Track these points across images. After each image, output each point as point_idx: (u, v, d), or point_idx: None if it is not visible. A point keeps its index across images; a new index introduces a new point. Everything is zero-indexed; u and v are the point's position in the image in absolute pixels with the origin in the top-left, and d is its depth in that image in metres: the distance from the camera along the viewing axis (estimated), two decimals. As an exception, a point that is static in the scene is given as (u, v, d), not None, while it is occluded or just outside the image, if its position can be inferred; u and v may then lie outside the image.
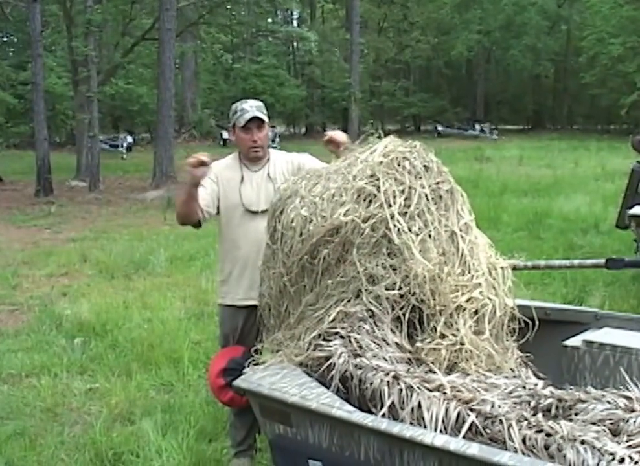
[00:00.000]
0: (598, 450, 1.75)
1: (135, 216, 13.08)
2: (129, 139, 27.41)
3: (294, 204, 2.78)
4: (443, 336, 2.41)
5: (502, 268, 2.69)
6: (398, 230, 2.52)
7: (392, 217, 2.53)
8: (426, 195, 2.61)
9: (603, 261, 2.90)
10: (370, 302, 2.46)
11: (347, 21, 32.58)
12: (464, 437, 1.93)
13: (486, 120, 37.31)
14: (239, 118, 3.31)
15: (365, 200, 2.60)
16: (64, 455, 3.70)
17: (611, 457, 1.72)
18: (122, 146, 26.26)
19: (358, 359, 2.28)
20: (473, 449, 1.83)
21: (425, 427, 2.00)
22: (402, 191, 2.59)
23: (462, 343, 2.40)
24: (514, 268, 2.85)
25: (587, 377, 2.74)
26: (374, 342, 2.38)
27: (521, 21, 38.62)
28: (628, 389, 2.15)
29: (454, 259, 2.56)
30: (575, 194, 12.82)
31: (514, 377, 2.36)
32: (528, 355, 2.61)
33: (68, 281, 7.70)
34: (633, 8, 31.57)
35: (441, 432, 1.97)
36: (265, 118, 3.34)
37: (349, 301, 2.51)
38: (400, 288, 2.46)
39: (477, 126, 34.58)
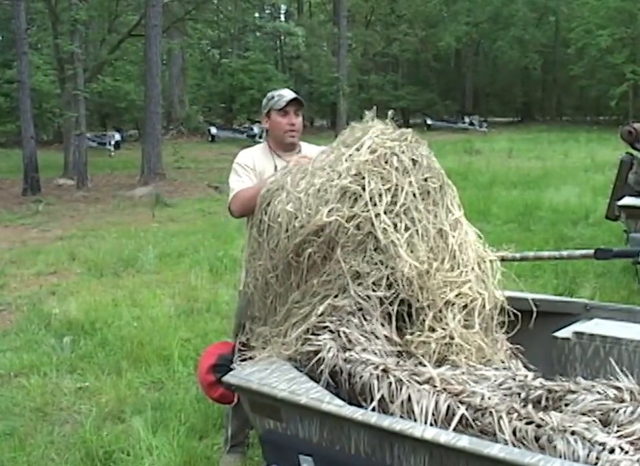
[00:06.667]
0: (589, 440, 1.74)
1: (124, 213, 13.01)
2: (117, 136, 27.21)
3: (280, 197, 2.75)
4: (432, 330, 2.40)
5: (491, 261, 2.68)
6: (384, 229, 2.49)
7: (377, 216, 2.50)
8: (413, 193, 2.58)
9: (592, 251, 2.89)
10: (358, 295, 2.45)
11: (334, 15, 32.45)
12: (454, 429, 1.93)
13: (475, 112, 37.31)
14: (278, 101, 3.34)
15: (349, 198, 2.56)
16: (54, 454, 3.67)
17: (601, 447, 1.72)
18: (110, 143, 26.07)
19: (347, 353, 2.27)
20: (464, 441, 1.82)
21: (415, 420, 1.99)
22: (389, 190, 2.56)
23: (451, 337, 2.39)
24: (503, 259, 2.84)
25: (577, 368, 2.73)
26: (363, 336, 2.36)
27: (508, 12, 38.64)
28: (617, 379, 2.14)
29: (443, 254, 2.54)
30: (565, 186, 12.84)
31: (504, 368, 2.35)
32: (518, 346, 2.60)
33: (56, 279, 7.65)
34: (621, -1, 31.64)
35: (431, 424, 1.97)
36: (304, 104, 3.39)
37: (335, 297, 2.49)
38: (389, 284, 2.45)
39: (466, 119, 34.55)
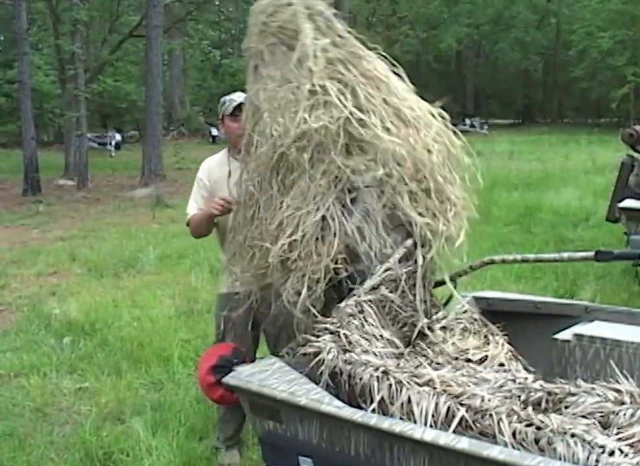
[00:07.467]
0: (588, 443, 1.74)
1: (124, 214, 13.02)
2: (118, 137, 27.28)
3: (263, 116, 2.82)
4: (446, 211, 2.58)
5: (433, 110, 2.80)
6: (362, 123, 2.59)
7: (352, 114, 2.60)
8: (364, 83, 2.70)
9: (592, 253, 2.88)
10: (360, 187, 2.57)
11: (335, 16, 32.53)
12: (454, 431, 1.92)
13: (476, 114, 37.35)
14: (228, 107, 3.40)
15: (321, 105, 2.64)
16: (54, 455, 3.67)
17: (601, 450, 1.71)
18: (111, 144, 26.14)
19: (347, 354, 2.26)
20: (463, 443, 1.82)
21: (415, 422, 1.99)
22: (346, 88, 2.66)
23: (455, 205, 2.60)
24: (504, 261, 2.84)
25: (577, 370, 2.73)
26: (364, 338, 2.36)
27: (509, 14, 38.72)
28: (618, 382, 2.14)
29: (407, 126, 2.66)
30: (566, 188, 12.84)
31: (504, 370, 2.35)
32: (518, 348, 2.60)
33: (57, 280, 7.66)
34: (622, 1, 31.67)
35: (431, 426, 1.96)
36: None
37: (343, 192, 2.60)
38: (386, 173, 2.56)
39: (467, 121, 34.57)
